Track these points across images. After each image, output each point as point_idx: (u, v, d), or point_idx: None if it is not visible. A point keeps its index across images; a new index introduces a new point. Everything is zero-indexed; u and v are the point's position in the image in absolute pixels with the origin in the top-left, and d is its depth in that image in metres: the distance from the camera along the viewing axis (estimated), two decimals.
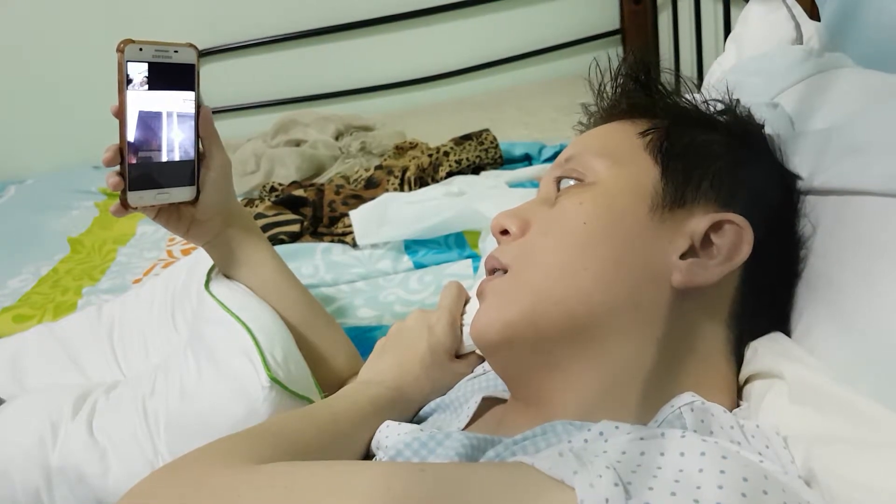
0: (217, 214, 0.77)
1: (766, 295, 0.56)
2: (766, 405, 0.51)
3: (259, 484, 0.42)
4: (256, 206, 1.36)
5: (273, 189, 1.53)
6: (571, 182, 0.57)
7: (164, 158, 0.70)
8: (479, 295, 0.58)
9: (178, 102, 0.70)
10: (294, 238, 1.28)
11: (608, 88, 0.63)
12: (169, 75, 0.68)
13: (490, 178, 1.43)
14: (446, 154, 1.49)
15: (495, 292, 0.56)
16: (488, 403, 0.60)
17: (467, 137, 1.53)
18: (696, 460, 0.38)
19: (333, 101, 2.17)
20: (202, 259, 0.86)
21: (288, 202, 1.36)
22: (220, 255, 0.81)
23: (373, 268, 1.16)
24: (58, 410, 0.74)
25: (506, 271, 0.56)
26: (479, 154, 1.50)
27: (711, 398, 0.51)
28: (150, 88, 0.67)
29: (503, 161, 1.53)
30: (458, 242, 1.19)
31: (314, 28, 2.15)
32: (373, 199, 1.30)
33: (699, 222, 0.53)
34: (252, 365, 0.71)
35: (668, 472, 0.38)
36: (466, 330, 0.69)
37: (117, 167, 0.68)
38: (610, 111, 0.63)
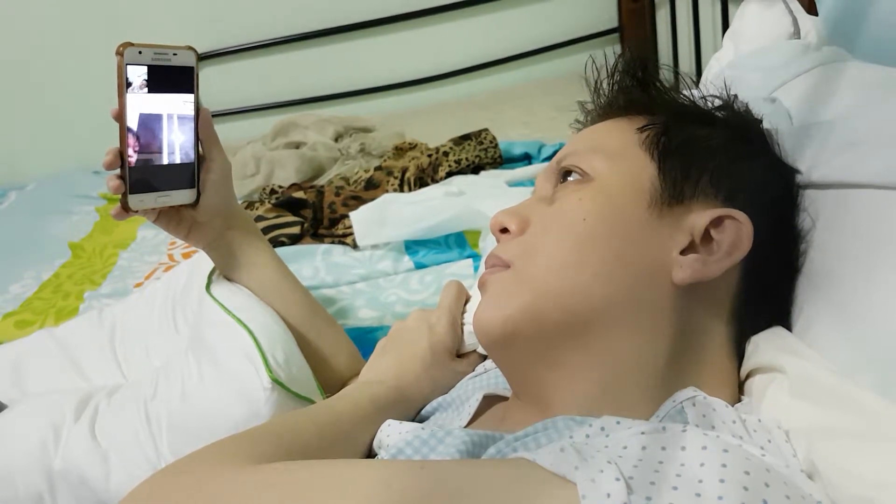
0: (217, 216, 0.77)
1: (767, 289, 0.56)
2: (768, 400, 0.51)
3: (260, 484, 0.42)
4: (256, 209, 1.36)
5: (273, 191, 1.53)
6: (570, 178, 0.57)
7: (165, 161, 0.70)
8: (481, 286, 0.58)
9: (177, 105, 0.70)
10: (294, 240, 1.28)
11: (605, 86, 0.63)
12: (168, 78, 0.68)
13: (490, 177, 1.43)
14: (446, 154, 1.49)
15: (497, 286, 0.56)
16: (490, 401, 0.60)
17: (466, 137, 1.53)
18: (698, 454, 0.38)
19: (332, 103, 2.18)
20: (203, 262, 0.86)
21: (288, 204, 1.36)
22: (220, 257, 0.81)
23: (373, 269, 1.16)
24: (60, 414, 0.74)
25: (507, 268, 0.56)
26: (479, 154, 1.50)
27: (713, 393, 0.51)
28: (149, 91, 0.67)
29: (503, 160, 1.53)
30: (459, 242, 1.19)
31: (312, 30, 2.15)
32: (373, 200, 1.30)
33: (699, 218, 0.53)
34: (253, 366, 0.71)
35: (669, 466, 0.38)
36: (467, 329, 0.69)
37: (118, 170, 0.68)
38: (607, 108, 0.63)
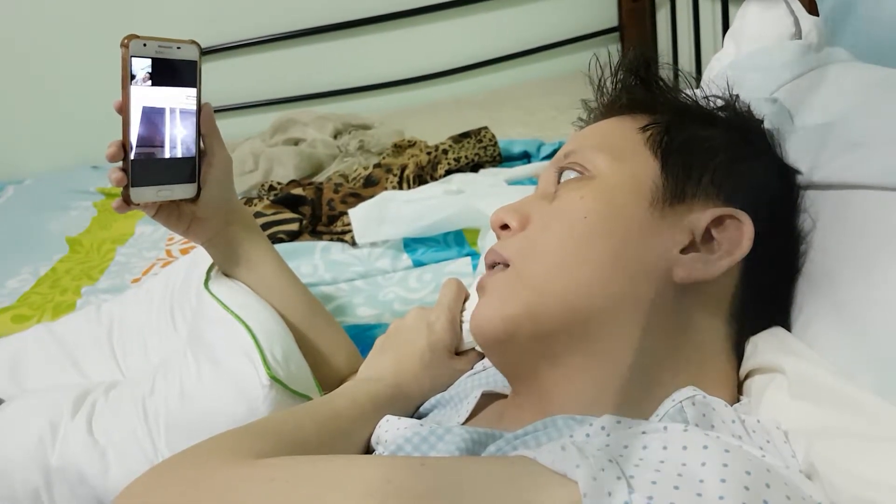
0: (217, 212, 0.77)
1: (767, 290, 0.56)
2: (767, 400, 0.51)
3: (259, 478, 0.42)
4: (255, 205, 1.36)
5: (272, 188, 1.53)
6: (572, 176, 0.57)
7: (167, 155, 0.70)
8: (480, 290, 0.58)
9: (180, 99, 0.70)
10: (293, 237, 1.28)
11: (608, 84, 0.63)
12: (172, 71, 0.68)
13: (489, 175, 1.43)
14: (445, 152, 1.48)
15: (496, 286, 0.56)
16: (488, 399, 0.60)
17: (466, 135, 1.53)
18: (699, 454, 0.38)
19: (331, 100, 2.17)
20: (201, 258, 0.86)
21: (287, 201, 1.36)
22: (219, 253, 0.81)
23: (372, 266, 1.16)
24: (57, 410, 0.74)
25: (507, 265, 0.56)
26: (478, 152, 1.50)
27: (712, 393, 0.51)
28: (153, 84, 0.67)
29: (502, 159, 1.53)
30: (458, 240, 1.19)
31: (312, 27, 2.14)
32: (371, 197, 1.30)
33: (700, 217, 0.53)
34: (252, 364, 0.71)
35: (670, 465, 0.38)
36: (466, 327, 0.69)
37: (120, 163, 0.68)
38: (609, 107, 0.63)
